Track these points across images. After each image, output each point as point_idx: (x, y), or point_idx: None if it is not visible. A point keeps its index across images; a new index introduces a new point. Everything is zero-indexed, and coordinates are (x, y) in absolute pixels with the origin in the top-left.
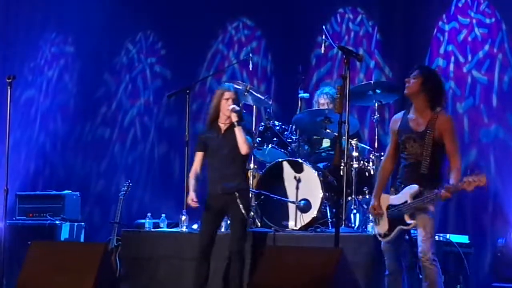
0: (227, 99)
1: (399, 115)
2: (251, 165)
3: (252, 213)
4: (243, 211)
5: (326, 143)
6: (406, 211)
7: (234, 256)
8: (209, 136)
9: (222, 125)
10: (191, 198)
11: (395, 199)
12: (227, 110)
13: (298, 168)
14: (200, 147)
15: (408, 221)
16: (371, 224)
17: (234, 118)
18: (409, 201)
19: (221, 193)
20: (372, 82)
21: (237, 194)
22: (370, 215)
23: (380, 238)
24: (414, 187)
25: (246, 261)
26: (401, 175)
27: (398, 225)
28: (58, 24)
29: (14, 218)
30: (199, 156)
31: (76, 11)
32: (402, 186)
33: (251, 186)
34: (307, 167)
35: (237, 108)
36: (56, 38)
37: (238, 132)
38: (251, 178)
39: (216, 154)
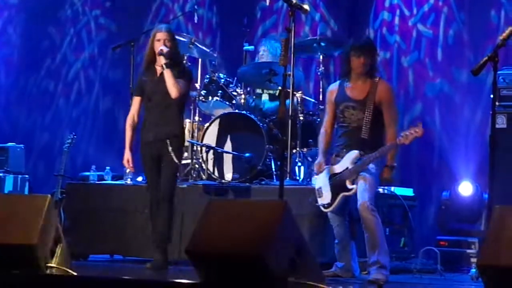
0: (158, 40)
1: (335, 85)
2: (196, 118)
3: (197, 166)
4: (175, 158)
5: (265, 96)
6: (348, 176)
7: (163, 205)
8: (145, 79)
9: (159, 68)
10: (127, 160)
11: (337, 167)
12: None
13: (242, 121)
14: (138, 91)
15: (350, 186)
16: (315, 176)
17: (162, 60)
18: (350, 167)
19: (152, 140)
20: (317, 37)
21: (168, 142)
22: (315, 169)
23: (324, 209)
24: (355, 152)
25: (188, 215)
26: (341, 142)
27: (340, 192)
28: None
29: None
30: (136, 101)
31: None
32: (344, 151)
33: (197, 139)
34: (251, 120)
35: (165, 49)
36: None
37: (166, 75)
38: (196, 131)
39: (151, 98)
